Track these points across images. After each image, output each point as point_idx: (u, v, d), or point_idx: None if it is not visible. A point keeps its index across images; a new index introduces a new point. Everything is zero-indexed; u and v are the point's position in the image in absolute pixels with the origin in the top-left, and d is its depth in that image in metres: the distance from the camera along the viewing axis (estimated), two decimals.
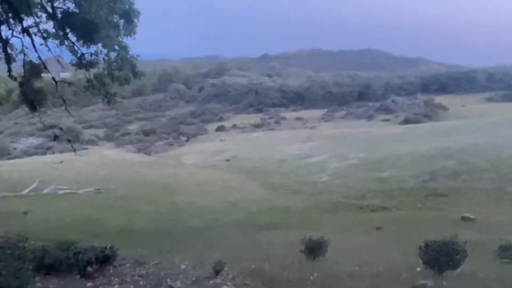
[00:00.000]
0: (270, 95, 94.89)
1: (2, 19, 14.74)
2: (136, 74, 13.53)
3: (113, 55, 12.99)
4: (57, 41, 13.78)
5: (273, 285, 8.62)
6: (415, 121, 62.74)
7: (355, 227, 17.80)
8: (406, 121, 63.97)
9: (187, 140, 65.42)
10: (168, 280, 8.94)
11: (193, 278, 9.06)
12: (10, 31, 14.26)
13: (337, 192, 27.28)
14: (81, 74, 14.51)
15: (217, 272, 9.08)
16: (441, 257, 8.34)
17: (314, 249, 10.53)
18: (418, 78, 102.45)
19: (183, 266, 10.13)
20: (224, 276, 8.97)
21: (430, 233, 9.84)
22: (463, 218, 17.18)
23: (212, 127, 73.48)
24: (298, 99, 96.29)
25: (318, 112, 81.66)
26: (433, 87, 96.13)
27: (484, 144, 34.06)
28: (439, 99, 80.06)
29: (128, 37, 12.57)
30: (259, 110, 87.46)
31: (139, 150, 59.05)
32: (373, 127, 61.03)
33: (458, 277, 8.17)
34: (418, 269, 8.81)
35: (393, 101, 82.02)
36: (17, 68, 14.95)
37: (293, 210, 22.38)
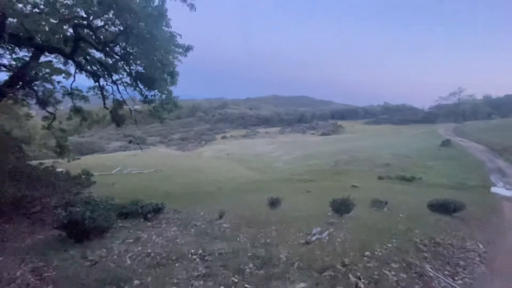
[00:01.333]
0: (251, 120, 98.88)
1: (100, 74, 15.87)
2: (176, 107, 14.06)
3: (163, 96, 13.31)
4: (132, 88, 14.11)
5: (251, 223, 8.83)
6: (328, 134, 66.09)
7: (296, 191, 18.36)
8: (323, 134, 67.49)
9: (205, 144, 67.14)
10: (193, 221, 9.38)
11: (207, 220, 9.46)
12: (105, 82, 14.54)
13: (286, 172, 28.63)
14: (146, 106, 14.69)
15: (220, 217, 9.55)
16: (341, 206, 8.83)
17: (274, 203, 11.12)
18: (329, 111, 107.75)
19: (202, 213, 10.54)
20: (224, 219, 9.37)
21: (335, 194, 10.20)
22: (353, 186, 18.23)
23: (219, 136, 75.33)
24: (266, 122, 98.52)
25: (276, 129, 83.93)
26: (336, 116, 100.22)
27: (363, 146, 36.26)
28: (340, 122, 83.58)
29: (172, 86, 12.94)
30: (245, 127, 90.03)
31: (179, 149, 60.77)
32: (306, 137, 64.13)
33: (350, 218, 8.50)
34: (329, 213, 9.15)
35: (316, 123, 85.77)
36: (109, 102, 15.01)
37: (263, 181, 23.25)
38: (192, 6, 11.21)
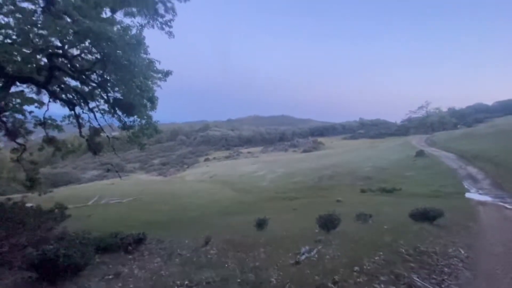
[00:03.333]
0: (233, 141, 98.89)
1: (76, 102, 15.22)
2: (156, 131, 13.75)
3: (143, 121, 13.04)
4: (109, 115, 13.82)
5: (239, 247, 8.57)
6: (309, 151, 67.20)
7: (283, 209, 18.13)
8: (304, 151, 68.46)
9: (187, 167, 65.59)
10: (178, 250, 8.96)
11: (193, 247, 9.07)
12: (81, 110, 14.29)
13: (271, 190, 28.22)
14: (125, 133, 14.23)
15: (206, 243, 9.23)
16: (328, 222, 8.81)
17: (261, 224, 10.88)
18: (308, 129, 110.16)
19: (186, 241, 10.08)
20: (211, 245, 9.05)
21: (321, 210, 10.15)
22: (337, 201, 18.38)
23: (202, 159, 74.04)
24: (248, 142, 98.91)
25: (259, 148, 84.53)
26: (316, 133, 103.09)
27: (343, 161, 37.24)
28: (320, 139, 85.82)
29: (152, 111, 12.67)
30: (227, 149, 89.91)
31: (160, 174, 59.22)
32: (288, 155, 64.80)
33: (337, 233, 8.47)
34: (316, 230, 9.11)
35: (297, 141, 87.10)
36: (85, 131, 14.66)
37: (249, 202, 22.80)
38: (170, 34, 11.49)
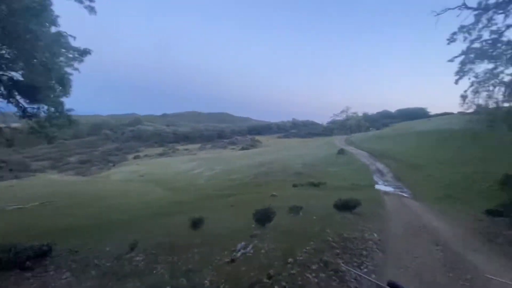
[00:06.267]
0: (168, 137, 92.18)
1: None
2: (70, 122, 11.49)
3: (52, 109, 10.72)
4: (5, 100, 10.66)
5: (171, 250, 7.99)
6: (247, 148, 68.53)
7: (219, 207, 17.75)
8: (242, 148, 69.45)
9: (113, 165, 58.24)
10: (96, 260, 7.83)
11: (115, 256, 8.06)
12: None
13: (209, 188, 27.56)
14: (27, 122, 11.93)
15: (132, 249, 8.28)
16: (263, 217, 8.89)
17: (196, 223, 10.32)
18: (247, 127, 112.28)
19: (108, 248, 8.91)
20: (137, 251, 8.15)
21: (257, 205, 10.14)
22: (272, 195, 18.67)
23: (131, 156, 66.50)
24: (185, 138, 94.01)
25: (197, 145, 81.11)
26: (253, 132, 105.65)
27: (278, 158, 39.11)
28: (257, 137, 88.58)
29: (64, 96, 10.55)
30: (162, 145, 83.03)
31: (78, 174, 51.11)
32: (227, 152, 64.18)
33: (272, 227, 8.58)
34: (253, 225, 9.05)
35: (236, 139, 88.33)
36: None
37: (185, 202, 21.47)
38: (91, 10, 9.75)
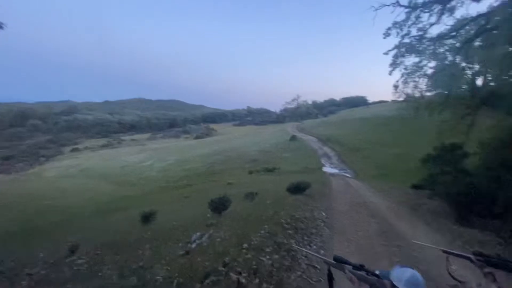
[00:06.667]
0: (112, 126, 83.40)
1: None
2: None
3: None
4: None
5: (119, 248, 7.51)
6: (201, 137, 66.13)
7: (173, 199, 17.41)
8: (197, 137, 66.78)
9: (45, 160, 49.92)
10: (26, 269, 6.90)
11: (51, 261, 7.25)
12: None
13: (161, 180, 26.49)
14: None
15: (72, 252, 7.60)
16: (219, 205, 8.83)
17: (147, 217, 9.84)
18: (201, 115, 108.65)
19: (41, 255, 8.03)
20: (79, 253, 7.52)
21: (213, 194, 9.96)
22: (228, 183, 18.99)
23: (67, 149, 58.41)
24: (132, 128, 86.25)
25: (146, 135, 75.59)
26: (208, 120, 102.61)
27: (234, 146, 39.68)
28: (212, 125, 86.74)
29: None
30: (105, 136, 74.77)
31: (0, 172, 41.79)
32: (180, 142, 61.80)
33: (228, 214, 8.56)
34: (208, 215, 8.98)
35: (189, 127, 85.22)
36: None
37: (134, 196, 20.55)
38: None
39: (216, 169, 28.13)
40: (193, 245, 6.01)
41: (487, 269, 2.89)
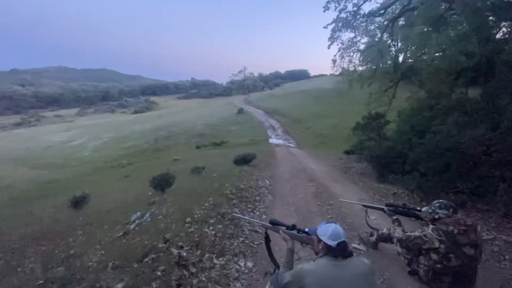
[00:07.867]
0: (26, 100, 69.23)
1: None
2: None
3: None
4: None
5: (44, 238, 6.77)
6: (141, 112, 60.42)
7: (112, 179, 16.18)
8: (136, 112, 60.81)
9: None
10: None
11: None
12: None
13: (97, 161, 24.06)
14: None
15: None
16: (162, 182, 8.46)
17: (78, 202, 9.06)
18: (139, 87, 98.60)
19: None
20: None
21: (157, 172, 9.28)
22: (174, 160, 18.39)
23: None
24: (54, 102, 72.92)
25: (73, 111, 65.41)
26: (148, 92, 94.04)
27: (178, 120, 37.74)
28: (153, 98, 79.71)
29: None
30: (17, 112, 62.32)
31: None
32: (116, 117, 55.24)
33: (172, 191, 8.32)
34: (150, 193, 8.65)
35: (125, 101, 76.43)
36: None
37: (62, 180, 18.15)
38: None
39: (160, 145, 26.52)
40: (132, 226, 5.64)
41: (395, 217, 3.43)
